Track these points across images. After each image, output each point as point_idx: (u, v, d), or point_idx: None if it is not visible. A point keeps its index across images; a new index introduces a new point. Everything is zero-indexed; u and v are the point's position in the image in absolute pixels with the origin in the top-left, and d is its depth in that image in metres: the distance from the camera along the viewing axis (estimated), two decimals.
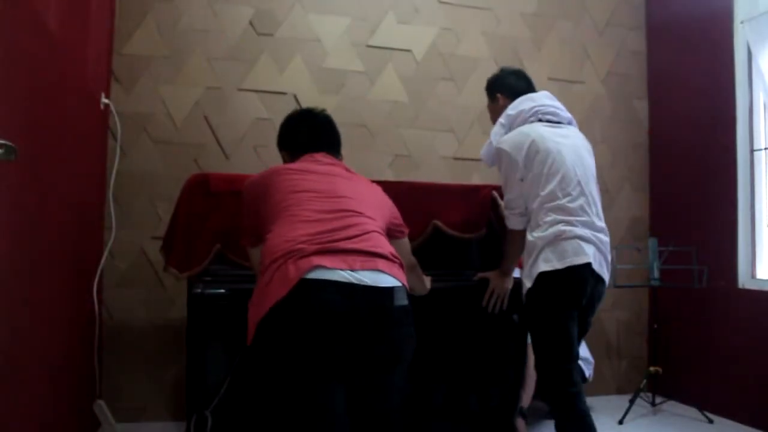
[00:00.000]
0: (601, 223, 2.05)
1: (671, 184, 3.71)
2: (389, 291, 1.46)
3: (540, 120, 2.16)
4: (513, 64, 3.61)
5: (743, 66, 3.22)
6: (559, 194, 1.99)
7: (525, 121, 2.17)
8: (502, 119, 2.23)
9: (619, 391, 3.68)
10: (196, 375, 2.22)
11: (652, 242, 3.28)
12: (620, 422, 3.07)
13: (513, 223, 2.15)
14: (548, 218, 1.98)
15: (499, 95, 2.33)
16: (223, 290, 2.09)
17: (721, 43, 3.33)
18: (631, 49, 3.92)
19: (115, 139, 2.85)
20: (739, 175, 3.20)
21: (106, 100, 2.75)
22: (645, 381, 3.28)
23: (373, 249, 1.49)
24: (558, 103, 2.27)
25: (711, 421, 3.09)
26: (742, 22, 3.20)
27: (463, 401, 2.67)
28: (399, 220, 1.87)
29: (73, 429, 2.26)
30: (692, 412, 3.20)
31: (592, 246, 1.98)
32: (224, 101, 3.13)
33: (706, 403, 3.20)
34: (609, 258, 2.07)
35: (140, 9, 3.03)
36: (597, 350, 3.65)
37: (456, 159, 3.52)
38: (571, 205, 1.99)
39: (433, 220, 2.51)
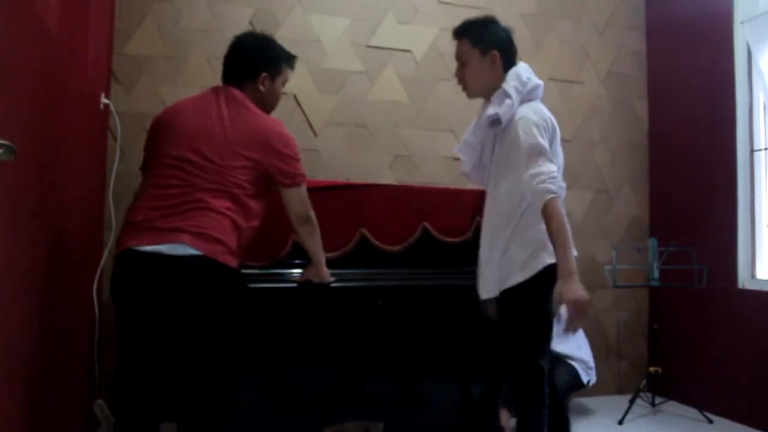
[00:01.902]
0: None
1: (671, 184, 3.72)
2: (184, 259, 1.64)
3: (539, 98, 1.97)
4: None
5: (743, 66, 3.22)
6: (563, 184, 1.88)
7: (536, 98, 1.95)
8: (516, 84, 1.90)
9: (619, 391, 3.68)
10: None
11: (652, 242, 3.29)
12: (620, 422, 3.08)
13: (560, 189, 1.78)
14: None
15: (496, 53, 1.96)
16: None
17: (721, 43, 3.33)
18: (631, 49, 3.92)
19: (115, 139, 2.85)
20: (739, 175, 3.20)
21: (106, 100, 2.75)
22: (645, 381, 3.28)
23: (187, 227, 1.66)
24: None
25: (711, 421, 3.09)
26: (742, 23, 3.20)
27: (447, 392, 2.73)
28: (284, 166, 1.84)
29: (74, 429, 2.26)
30: (692, 412, 3.20)
31: None
32: None
33: (706, 403, 3.20)
34: None
35: (140, 9, 3.03)
36: (597, 350, 3.64)
37: (456, 159, 3.51)
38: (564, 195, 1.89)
39: (422, 222, 2.59)
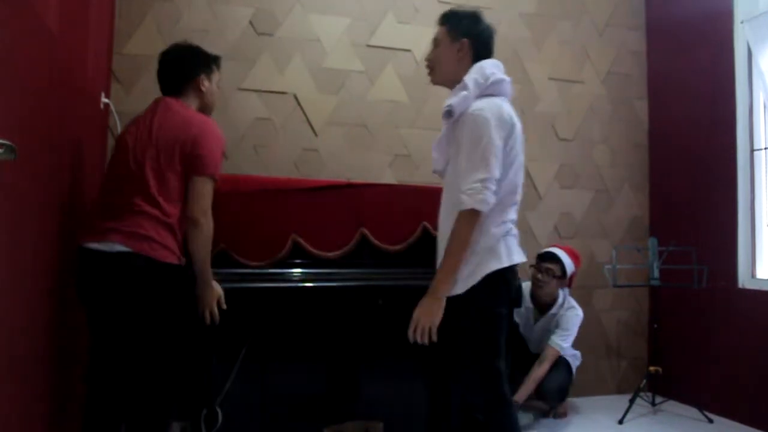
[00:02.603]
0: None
1: (671, 184, 3.72)
2: (116, 255, 1.81)
3: (503, 95, 1.88)
4: (513, 64, 3.63)
5: (743, 66, 3.22)
6: (518, 187, 1.84)
7: (498, 93, 1.85)
8: (477, 76, 1.83)
9: (619, 391, 3.68)
10: (204, 371, 2.34)
11: (652, 242, 3.29)
12: (620, 422, 3.08)
13: (485, 203, 1.69)
14: (504, 215, 1.81)
15: (466, 41, 1.89)
16: (232, 287, 2.18)
17: (721, 43, 3.33)
18: (631, 49, 3.92)
19: (115, 138, 2.85)
20: (739, 175, 3.20)
21: (106, 100, 2.75)
22: (645, 381, 3.28)
23: (119, 226, 1.83)
24: None
25: (711, 421, 3.09)
26: (742, 22, 3.20)
27: (446, 396, 2.73)
28: (200, 151, 1.90)
29: (73, 429, 2.26)
30: (692, 412, 3.20)
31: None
32: (224, 101, 3.13)
33: (706, 402, 3.20)
34: None
35: (140, 9, 3.03)
36: (597, 350, 3.66)
37: None
38: (518, 199, 1.86)
39: (422, 222, 2.60)
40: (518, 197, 1.86)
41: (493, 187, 1.70)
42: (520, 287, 2.56)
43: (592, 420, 3.18)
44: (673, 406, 3.36)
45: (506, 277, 1.77)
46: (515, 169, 1.81)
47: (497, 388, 1.78)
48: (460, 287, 1.75)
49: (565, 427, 3.05)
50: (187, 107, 2.02)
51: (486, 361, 1.76)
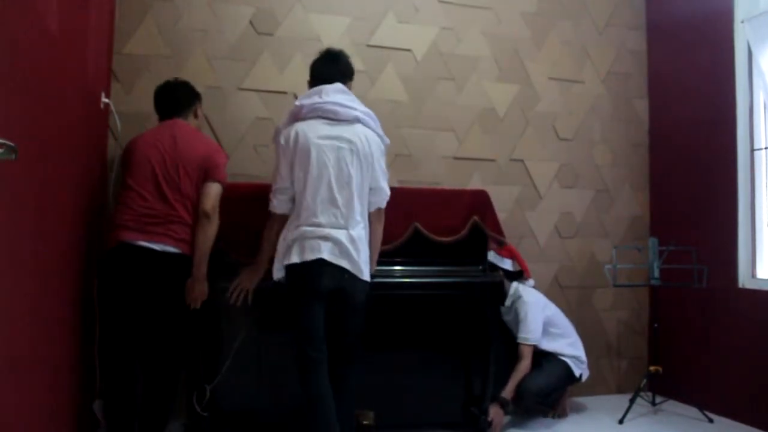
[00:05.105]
0: (351, 221, 2.16)
1: (671, 184, 3.72)
2: (163, 254, 2.28)
3: (320, 117, 2.20)
4: (513, 63, 3.63)
5: (743, 65, 3.22)
6: (308, 196, 2.14)
7: (305, 117, 2.21)
8: (292, 108, 2.27)
9: (620, 391, 3.68)
10: (203, 356, 2.54)
11: (652, 242, 3.29)
12: (620, 422, 3.08)
13: (279, 206, 2.24)
14: (299, 220, 2.16)
15: (309, 79, 2.39)
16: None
17: (722, 42, 3.33)
18: (631, 49, 3.92)
19: (116, 138, 2.85)
20: (739, 174, 3.20)
21: (107, 100, 2.75)
22: (645, 381, 3.28)
23: (162, 230, 2.28)
24: (344, 100, 2.24)
25: (711, 421, 3.10)
26: (742, 22, 3.20)
27: (444, 391, 2.76)
28: (214, 163, 2.37)
29: (73, 428, 2.27)
30: (692, 411, 3.20)
31: (330, 243, 2.12)
32: (224, 101, 3.13)
33: (707, 402, 3.20)
34: (356, 253, 2.15)
35: (140, 9, 3.03)
36: (597, 350, 3.66)
37: (456, 159, 3.52)
38: (316, 206, 2.13)
39: (414, 222, 2.71)
40: (317, 205, 2.14)
41: (281, 196, 2.22)
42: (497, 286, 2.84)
43: (593, 419, 3.18)
44: (673, 405, 3.36)
45: (300, 270, 2.13)
46: (304, 182, 2.15)
47: (301, 348, 2.17)
48: (276, 275, 2.23)
49: (565, 427, 3.06)
50: (193, 127, 2.51)
51: (295, 325, 2.20)
